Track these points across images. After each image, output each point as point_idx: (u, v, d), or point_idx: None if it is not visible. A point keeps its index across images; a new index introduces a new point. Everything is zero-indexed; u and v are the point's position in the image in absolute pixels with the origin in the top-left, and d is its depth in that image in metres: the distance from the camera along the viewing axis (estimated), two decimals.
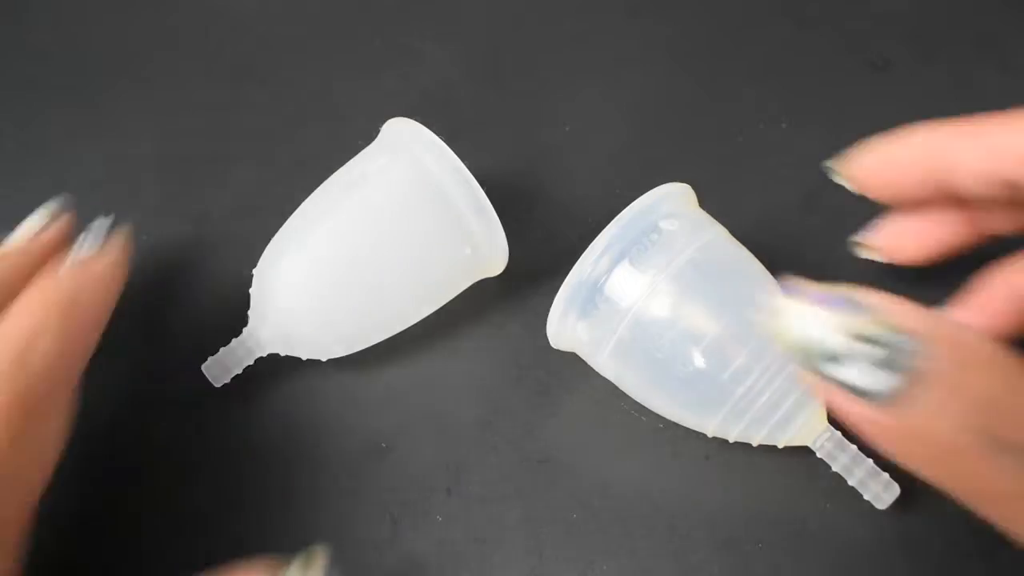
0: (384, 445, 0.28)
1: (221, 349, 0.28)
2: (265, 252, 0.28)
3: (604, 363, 0.26)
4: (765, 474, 0.27)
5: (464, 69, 0.37)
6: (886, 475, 0.24)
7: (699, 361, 0.24)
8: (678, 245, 0.24)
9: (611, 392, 0.28)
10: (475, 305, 0.30)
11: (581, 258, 0.25)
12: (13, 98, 0.38)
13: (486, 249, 0.27)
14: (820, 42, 0.37)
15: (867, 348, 0.17)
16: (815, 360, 0.17)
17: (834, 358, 0.17)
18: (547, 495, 0.27)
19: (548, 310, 0.26)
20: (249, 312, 0.28)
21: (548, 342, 0.27)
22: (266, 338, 0.27)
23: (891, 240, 0.27)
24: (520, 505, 0.27)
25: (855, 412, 0.17)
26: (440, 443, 0.28)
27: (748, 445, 0.25)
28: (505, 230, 0.27)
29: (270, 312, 0.27)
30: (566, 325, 0.26)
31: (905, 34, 0.37)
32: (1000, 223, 0.26)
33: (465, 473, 0.28)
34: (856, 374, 0.17)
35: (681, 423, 0.26)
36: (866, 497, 0.25)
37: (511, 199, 0.28)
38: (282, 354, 0.28)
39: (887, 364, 0.16)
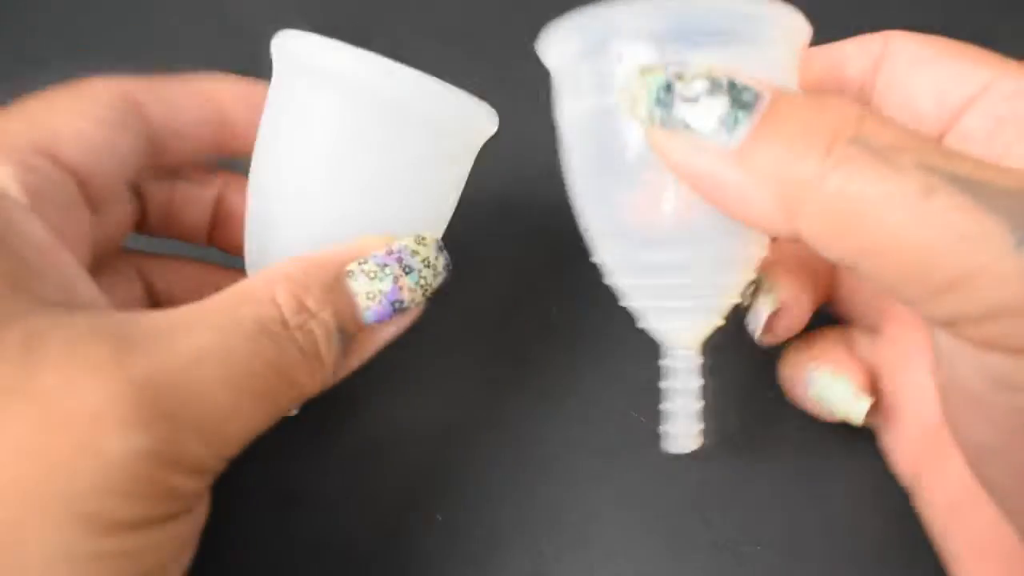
0: (387, 445, 0.29)
1: None
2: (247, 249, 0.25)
3: (569, 114, 0.23)
4: (763, 476, 0.27)
5: (464, 68, 0.37)
6: (700, 426, 0.23)
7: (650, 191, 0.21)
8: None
9: (612, 394, 0.28)
10: (475, 301, 0.30)
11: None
12: (14, 99, 0.38)
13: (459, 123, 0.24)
14: (821, 42, 0.37)
15: (704, 84, 0.17)
16: (663, 106, 0.17)
17: (679, 99, 0.17)
18: (547, 496, 0.27)
19: (548, 312, 0.25)
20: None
21: (548, 343, 0.27)
22: None
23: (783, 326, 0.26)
24: (520, 506, 0.27)
25: (702, 164, 0.17)
26: (440, 443, 0.29)
27: (747, 448, 0.25)
28: (504, 231, 0.27)
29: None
30: (565, 47, 0.22)
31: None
32: None
33: (466, 473, 0.28)
34: (697, 110, 0.17)
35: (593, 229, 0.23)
36: (666, 431, 0.23)
37: (510, 200, 0.28)
38: None
39: (724, 96, 0.17)
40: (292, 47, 0.23)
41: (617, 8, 0.20)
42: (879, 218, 0.15)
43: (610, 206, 0.22)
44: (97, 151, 0.22)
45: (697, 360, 0.23)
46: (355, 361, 0.21)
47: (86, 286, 0.20)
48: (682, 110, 0.17)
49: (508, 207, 0.24)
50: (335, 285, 0.20)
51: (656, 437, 0.28)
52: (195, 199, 0.27)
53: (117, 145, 0.23)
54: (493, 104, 0.24)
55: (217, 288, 0.21)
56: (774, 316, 0.24)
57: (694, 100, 0.17)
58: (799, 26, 0.21)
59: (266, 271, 0.20)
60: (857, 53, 0.23)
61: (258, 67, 0.38)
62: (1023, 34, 0.37)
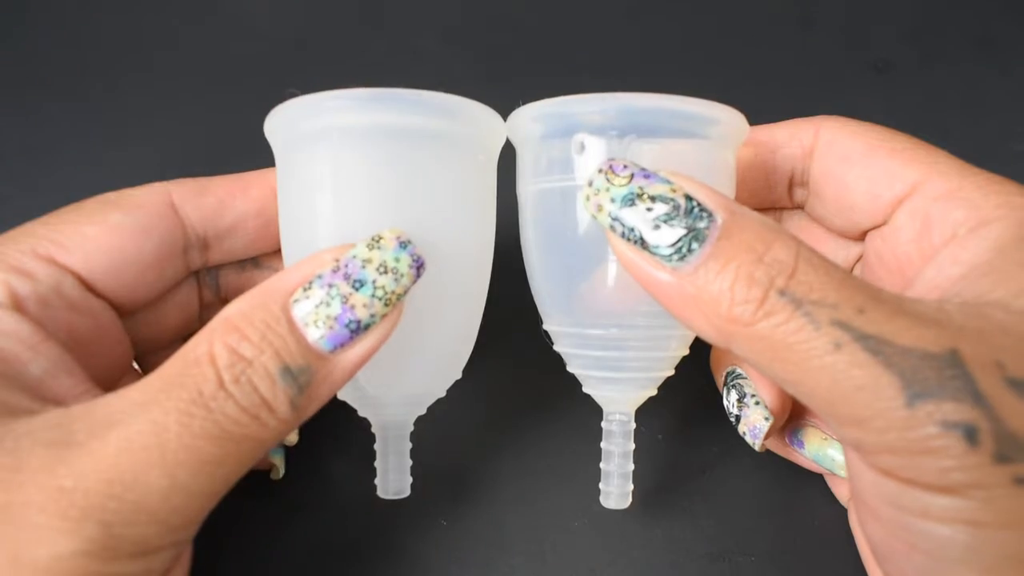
0: None
1: None
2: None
3: (529, 191, 0.24)
4: (759, 489, 0.27)
5: (465, 69, 0.37)
6: (630, 487, 0.25)
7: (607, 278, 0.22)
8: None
9: None
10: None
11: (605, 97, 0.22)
12: (15, 100, 0.38)
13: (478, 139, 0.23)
14: (822, 44, 0.37)
15: (665, 208, 0.19)
16: (623, 224, 0.19)
17: (646, 222, 0.19)
18: (550, 503, 0.27)
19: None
20: None
21: (551, 350, 0.27)
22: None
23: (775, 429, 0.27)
24: (523, 512, 0.27)
25: (655, 277, 0.19)
26: (444, 450, 0.29)
27: (743, 460, 0.25)
28: (503, 235, 0.26)
29: None
30: (530, 128, 0.23)
31: (906, 36, 0.37)
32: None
33: (469, 479, 0.28)
34: (656, 234, 0.19)
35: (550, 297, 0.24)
36: (602, 489, 0.25)
37: (510, 203, 0.28)
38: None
39: (681, 224, 0.18)
40: (275, 126, 0.23)
41: (584, 101, 0.21)
42: (795, 362, 0.17)
43: (557, 281, 0.24)
44: (105, 252, 0.23)
45: (631, 425, 0.25)
46: (326, 391, 0.20)
47: (62, 380, 0.21)
48: (641, 230, 0.19)
49: (508, 210, 0.24)
50: (277, 320, 0.19)
51: (655, 449, 0.28)
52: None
53: (132, 247, 0.23)
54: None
55: None
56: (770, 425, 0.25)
57: (654, 225, 0.19)
58: (743, 127, 0.24)
59: (211, 322, 0.19)
60: (788, 141, 0.25)
61: (260, 68, 0.38)
62: (1023, 34, 0.37)
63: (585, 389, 0.25)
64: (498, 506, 0.27)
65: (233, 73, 0.38)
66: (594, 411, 0.29)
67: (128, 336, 0.25)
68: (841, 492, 0.26)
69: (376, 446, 0.25)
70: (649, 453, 0.28)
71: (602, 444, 0.25)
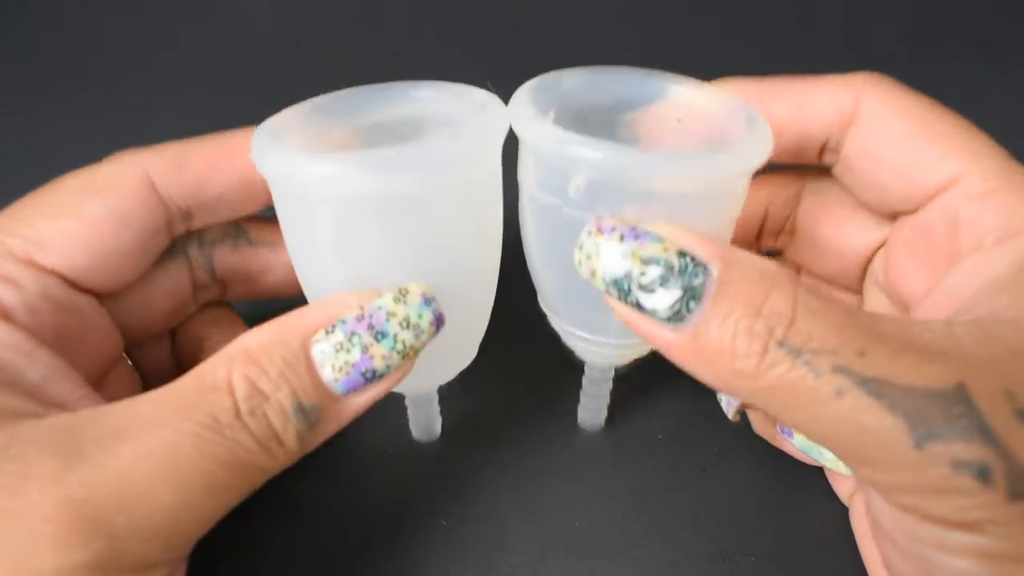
0: (391, 451, 0.29)
1: None
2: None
3: (528, 192, 0.23)
4: (758, 489, 0.27)
5: (465, 69, 0.37)
6: (604, 414, 0.28)
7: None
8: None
9: (613, 403, 0.28)
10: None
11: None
12: (15, 100, 0.38)
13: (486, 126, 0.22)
14: (821, 42, 0.37)
15: (658, 271, 0.18)
16: (619, 289, 0.19)
17: (636, 286, 0.18)
18: (550, 502, 0.27)
19: (547, 324, 0.26)
20: None
21: (552, 350, 0.27)
22: None
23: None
24: (523, 512, 0.27)
25: (657, 336, 0.19)
26: (444, 449, 0.29)
27: (743, 458, 0.25)
28: (504, 231, 0.26)
29: None
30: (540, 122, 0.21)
31: (906, 34, 0.37)
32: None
33: (469, 478, 0.28)
34: (653, 299, 0.18)
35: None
36: (580, 412, 0.29)
37: (510, 201, 0.28)
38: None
39: (677, 285, 0.18)
40: (262, 168, 0.21)
41: (587, 144, 0.20)
42: (803, 410, 0.17)
43: (552, 277, 0.24)
44: (86, 248, 0.22)
45: (610, 373, 0.26)
46: (332, 428, 0.20)
47: (60, 385, 0.21)
48: (637, 296, 0.18)
49: (508, 208, 0.24)
50: (296, 359, 0.19)
51: (655, 448, 0.28)
52: (272, 264, 0.28)
53: (113, 238, 0.23)
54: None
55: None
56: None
57: (649, 290, 0.18)
58: (766, 156, 0.21)
59: (234, 343, 0.20)
60: (826, 108, 0.24)
61: (260, 68, 0.38)
62: (1023, 33, 0.37)
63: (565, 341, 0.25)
64: (498, 506, 0.27)
65: (233, 73, 0.38)
66: None
67: (117, 326, 0.25)
68: (842, 489, 0.26)
69: (406, 402, 0.28)
70: (649, 453, 0.28)
71: (583, 380, 0.27)
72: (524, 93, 0.23)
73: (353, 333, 0.20)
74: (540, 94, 0.23)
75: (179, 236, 0.26)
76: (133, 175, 0.23)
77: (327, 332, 0.20)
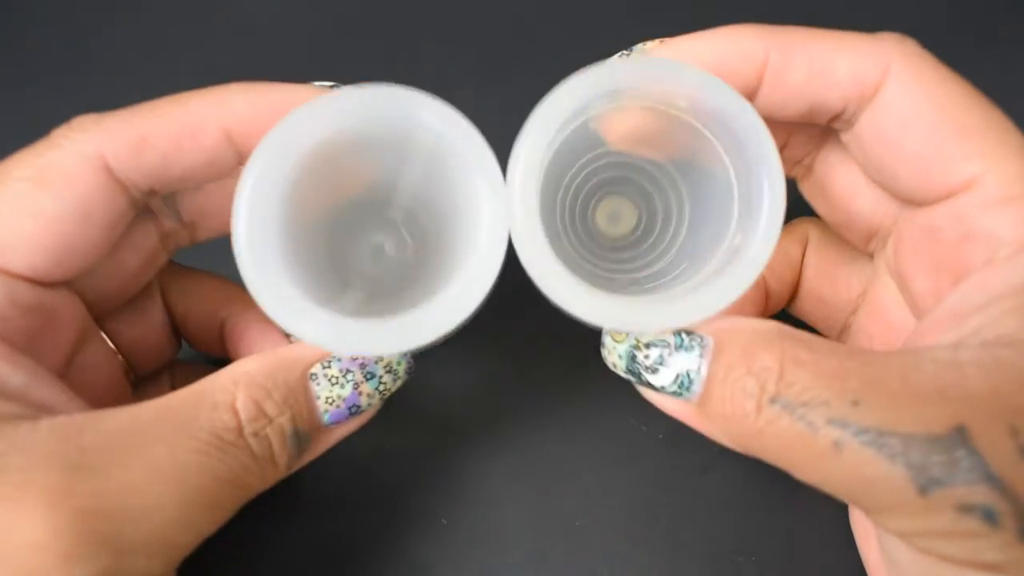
0: (388, 447, 0.29)
1: None
2: None
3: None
4: (760, 489, 0.27)
5: (464, 68, 0.37)
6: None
7: None
8: None
9: (613, 403, 0.28)
10: (476, 313, 0.30)
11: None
12: (14, 99, 0.38)
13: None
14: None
15: (658, 351, 0.20)
16: (632, 373, 0.21)
17: (643, 368, 0.20)
18: (551, 502, 0.27)
19: (549, 319, 0.26)
20: None
21: (551, 351, 0.27)
22: None
23: None
24: (524, 511, 0.27)
25: (671, 409, 0.21)
26: (443, 447, 0.29)
27: (744, 459, 0.25)
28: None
29: None
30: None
31: (905, 33, 0.37)
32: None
33: (469, 478, 0.28)
34: (658, 377, 0.20)
35: None
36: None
37: None
38: None
39: (676, 360, 0.20)
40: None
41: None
42: (806, 465, 0.18)
43: None
44: (49, 247, 0.21)
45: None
46: (310, 457, 0.22)
47: (42, 388, 0.20)
48: (647, 377, 0.20)
49: None
50: (297, 386, 0.20)
51: (657, 448, 0.28)
52: (226, 193, 0.25)
53: (75, 233, 0.21)
54: (492, 111, 0.24)
55: (229, 311, 0.25)
56: None
57: (653, 370, 0.20)
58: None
59: (233, 368, 0.20)
60: (847, 77, 0.21)
61: (259, 68, 0.38)
62: (1023, 34, 0.37)
63: None
64: (498, 506, 0.27)
65: (233, 73, 0.38)
66: (596, 411, 0.29)
67: (88, 296, 0.24)
68: None
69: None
70: (649, 453, 0.28)
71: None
72: (523, 199, 0.21)
73: (348, 370, 0.21)
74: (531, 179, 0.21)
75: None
76: (88, 163, 0.21)
77: (324, 367, 0.21)
